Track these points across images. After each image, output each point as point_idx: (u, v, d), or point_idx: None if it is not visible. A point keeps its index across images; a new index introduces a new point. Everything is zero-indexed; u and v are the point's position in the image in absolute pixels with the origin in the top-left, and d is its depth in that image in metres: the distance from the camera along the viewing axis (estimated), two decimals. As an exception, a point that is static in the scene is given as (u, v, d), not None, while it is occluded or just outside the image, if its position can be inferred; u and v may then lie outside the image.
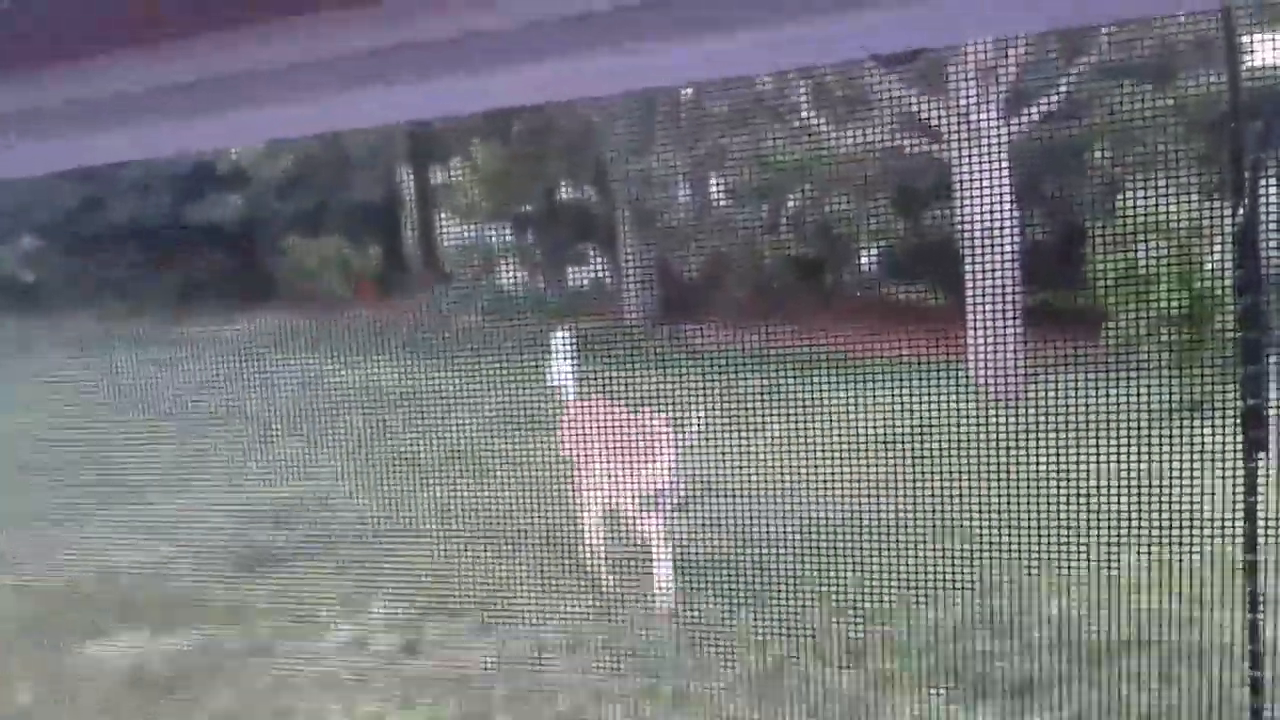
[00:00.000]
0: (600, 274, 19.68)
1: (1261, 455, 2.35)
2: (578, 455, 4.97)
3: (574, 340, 10.34)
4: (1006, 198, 9.94)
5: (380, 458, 7.70)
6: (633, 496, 4.58)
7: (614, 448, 4.62)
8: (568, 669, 4.29)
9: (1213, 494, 2.80)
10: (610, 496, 4.71)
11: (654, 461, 4.33)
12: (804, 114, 12.94)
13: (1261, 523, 2.44)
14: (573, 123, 17.19)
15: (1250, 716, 2.11)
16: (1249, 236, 2.38)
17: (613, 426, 4.74)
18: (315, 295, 16.84)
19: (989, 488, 4.80)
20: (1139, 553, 4.02)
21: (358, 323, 15.50)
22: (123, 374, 10.20)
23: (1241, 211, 2.34)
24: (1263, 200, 2.39)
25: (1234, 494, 2.47)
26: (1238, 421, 2.44)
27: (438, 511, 6.49)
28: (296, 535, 6.07)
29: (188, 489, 7.10)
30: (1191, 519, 3.21)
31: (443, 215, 22.98)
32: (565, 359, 9.97)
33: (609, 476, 4.68)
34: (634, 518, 4.60)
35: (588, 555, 5.08)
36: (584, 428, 4.83)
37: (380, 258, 19.06)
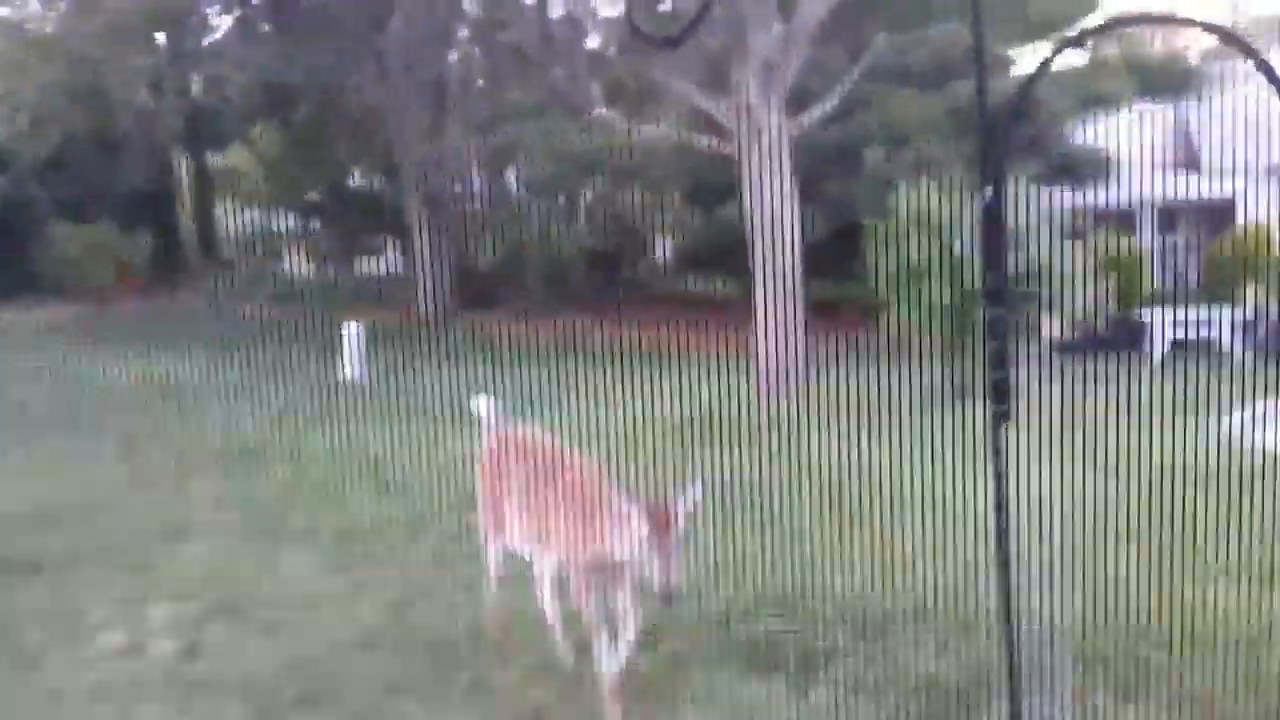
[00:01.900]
0: (393, 265, 19.28)
1: (1006, 425, 2.55)
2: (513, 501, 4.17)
3: (366, 332, 10.11)
4: (789, 194, 10.31)
5: (156, 453, 7.33)
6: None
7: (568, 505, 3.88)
8: (366, 664, 4.20)
9: (971, 470, 3.00)
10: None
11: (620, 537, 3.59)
12: (597, 108, 13.07)
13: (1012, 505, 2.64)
14: (360, 107, 16.75)
15: (1004, 652, 2.28)
16: (992, 222, 2.62)
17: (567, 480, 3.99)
18: (82, 285, 15.79)
19: (775, 470, 5.00)
20: (912, 526, 4.29)
21: (129, 314, 14.65)
22: None
23: (987, 199, 2.56)
24: (1005, 193, 2.62)
25: (985, 468, 2.65)
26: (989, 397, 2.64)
27: (219, 508, 6.23)
28: (63, 539, 5.70)
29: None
30: (953, 495, 3.44)
31: (222, 201, 21.98)
32: (357, 351, 9.73)
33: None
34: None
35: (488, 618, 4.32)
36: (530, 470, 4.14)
37: (153, 246, 18.03)
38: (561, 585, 3.96)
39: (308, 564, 5.31)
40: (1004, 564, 2.40)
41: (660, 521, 3.38)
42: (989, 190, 2.56)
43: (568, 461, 4.07)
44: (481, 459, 4.52)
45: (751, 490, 4.74)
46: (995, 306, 2.65)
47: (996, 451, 2.46)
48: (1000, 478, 2.45)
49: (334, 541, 5.62)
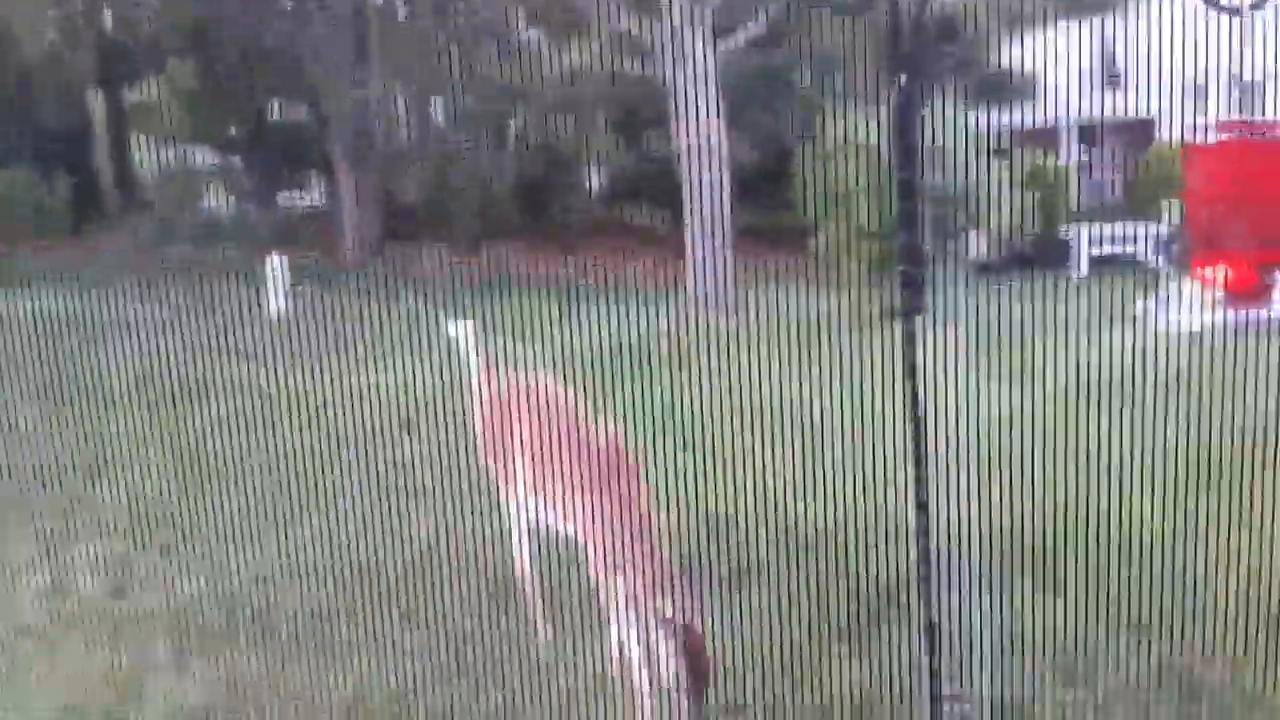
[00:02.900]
0: (316, 200, 18.89)
1: (919, 316, 2.57)
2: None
3: (290, 269, 9.91)
4: (718, 120, 10.26)
5: (78, 392, 7.16)
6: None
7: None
8: (297, 596, 4.19)
9: (895, 389, 3.03)
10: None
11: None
12: (521, 34, 12.83)
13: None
14: (279, 38, 16.26)
15: (920, 560, 2.34)
16: (903, 113, 2.64)
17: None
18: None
19: (705, 393, 5.02)
20: (840, 443, 4.34)
21: (47, 256, 14.24)
22: None
23: (899, 89, 2.57)
24: (920, 89, 2.63)
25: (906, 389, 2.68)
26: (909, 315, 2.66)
27: (145, 445, 6.12)
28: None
29: None
30: (878, 413, 3.49)
31: (139, 140, 21.29)
32: (282, 286, 9.55)
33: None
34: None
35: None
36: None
37: (71, 187, 17.47)
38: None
39: (236, 498, 5.26)
40: (919, 471, 2.44)
41: (695, 644, 2.98)
42: (901, 79, 2.56)
43: (591, 431, 3.72)
44: (479, 401, 4.22)
45: (682, 414, 4.76)
46: (906, 200, 2.65)
47: (909, 342, 2.48)
48: (914, 376, 2.48)
49: (262, 475, 5.56)
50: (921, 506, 2.42)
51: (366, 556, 4.47)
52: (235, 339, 8.12)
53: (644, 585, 3.15)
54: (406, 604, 4.00)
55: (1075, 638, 3.32)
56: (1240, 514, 3.75)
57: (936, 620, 2.52)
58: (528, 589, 3.93)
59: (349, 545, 4.63)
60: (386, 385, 6.86)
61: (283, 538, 4.79)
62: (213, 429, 6.44)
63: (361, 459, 5.70)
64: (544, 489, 3.76)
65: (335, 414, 6.43)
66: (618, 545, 3.29)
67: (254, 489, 5.47)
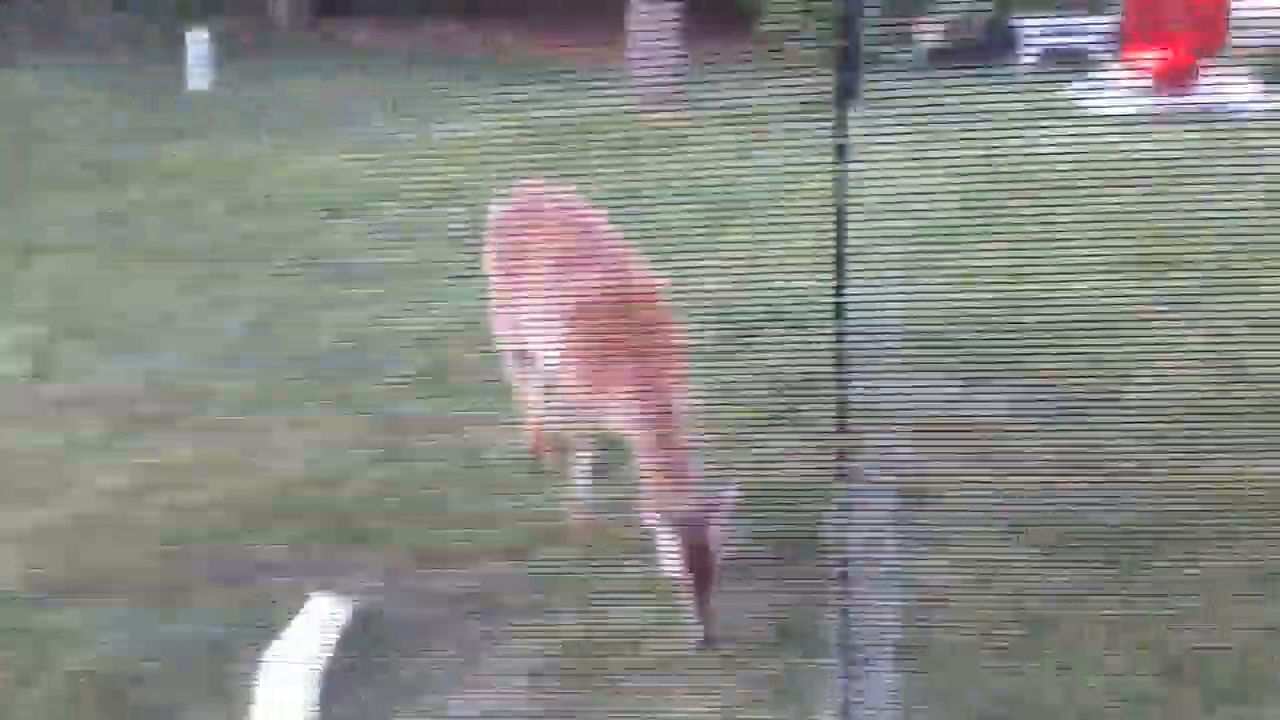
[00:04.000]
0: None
1: (852, 102, 2.50)
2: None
3: (214, 42, 9.39)
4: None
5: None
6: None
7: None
8: (227, 381, 4.17)
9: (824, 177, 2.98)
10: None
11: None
12: None
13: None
14: None
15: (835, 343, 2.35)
16: None
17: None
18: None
19: (650, 178, 4.94)
20: (780, 228, 4.34)
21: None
22: None
23: None
24: None
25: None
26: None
27: (70, 227, 5.95)
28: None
29: None
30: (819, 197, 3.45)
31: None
32: (205, 61, 9.08)
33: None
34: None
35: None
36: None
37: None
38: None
39: (164, 283, 5.17)
40: (839, 260, 2.43)
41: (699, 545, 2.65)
42: None
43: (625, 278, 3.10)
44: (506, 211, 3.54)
45: (626, 198, 4.68)
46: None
47: (841, 126, 2.43)
48: (842, 154, 2.43)
49: (191, 259, 5.46)
50: (839, 291, 2.43)
51: (298, 343, 4.45)
52: (158, 118, 7.83)
53: (656, 484, 2.82)
54: (339, 390, 4.01)
55: (994, 423, 3.40)
56: (1167, 298, 3.83)
57: (847, 403, 2.55)
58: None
59: (280, 332, 4.59)
60: (317, 168, 6.68)
61: (213, 324, 4.74)
62: (136, 214, 6.28)
63: (292, 244, 5.60)
64: (553, 336, 3.18)
65: (265, 198, 6.28)
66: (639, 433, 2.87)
67: (182, 275, 5.37)
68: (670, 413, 2.87)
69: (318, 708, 2.46)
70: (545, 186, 3.50)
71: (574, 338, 3.05)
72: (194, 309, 4.90)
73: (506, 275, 3.38)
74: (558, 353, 3.14)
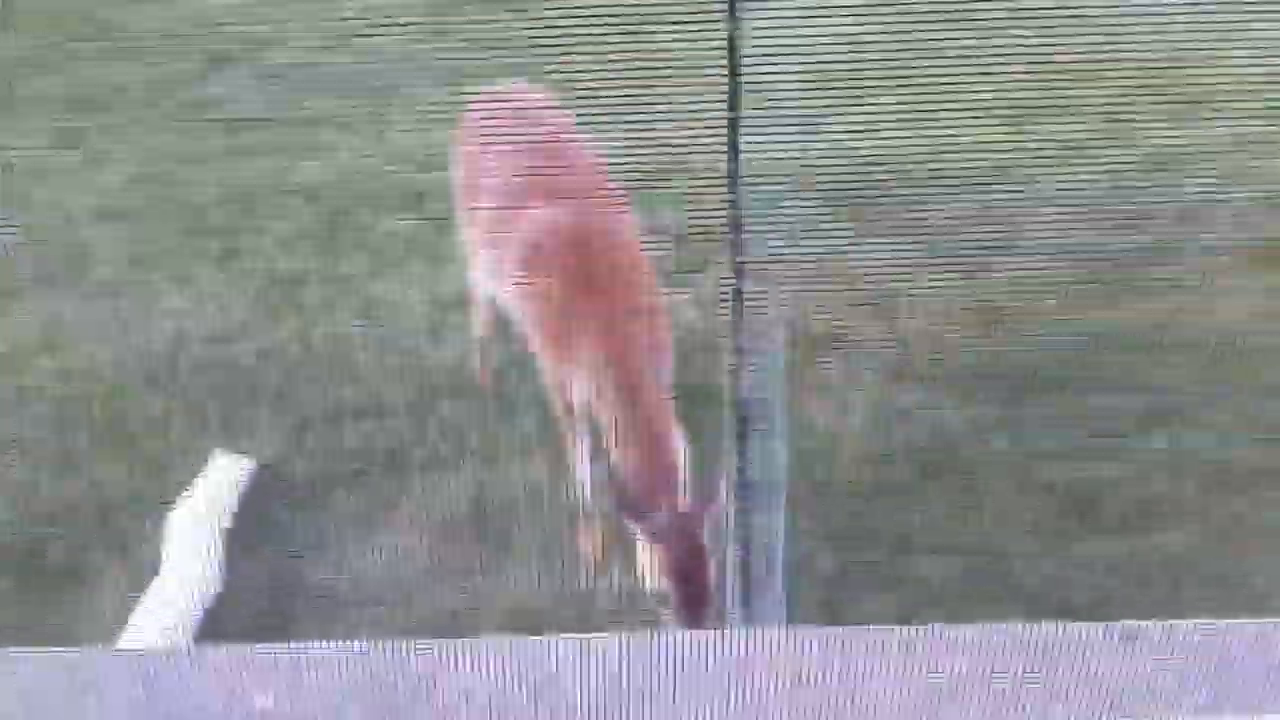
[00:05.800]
0: None
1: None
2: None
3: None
4: None
5: None
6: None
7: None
8: (107, 238, 4.01)
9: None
10: None
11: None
12: None
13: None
14: None
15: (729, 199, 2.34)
16: None
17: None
18: None
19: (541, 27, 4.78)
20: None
21: None
22: None
23: None
24: None
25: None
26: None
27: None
28: None
29: None
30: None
31: None
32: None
33: None
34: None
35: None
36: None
37: None
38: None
39: (34, 136, 4.91)
40: (731, 101, 2.40)
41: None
42: None
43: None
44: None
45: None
46: None
47: (731, 11, 2.37)
48: (733, 44, 2.38)
49: (63, 111, 5.17)
50: (733, 148, 2.41)
51: (182, 198, 4.29)
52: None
53: (632, 477, 2.30)
54: (227, 246, 3.91)
55: (888, 275, 3.44)
56: (1071, 139, 3.86)
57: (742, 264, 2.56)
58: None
59: (162, 187, 4.42)
60: (193, 10, 6.30)
61: (89, 178, 4.53)
62: (10, 63, 5.87)
63: (180, 93, 5.32)
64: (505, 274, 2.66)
65: (147, 47, 5.93)
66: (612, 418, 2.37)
67: (57, 123, 5.09)
68: (647, 387, 2.37)
69: (223, 566, 2.48)
70: (509, 92, 2.89)
71: (525, 290, 2.54)
72: (68, 163, 4.68)
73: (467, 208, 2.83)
74: (515, 308, 2.63)
